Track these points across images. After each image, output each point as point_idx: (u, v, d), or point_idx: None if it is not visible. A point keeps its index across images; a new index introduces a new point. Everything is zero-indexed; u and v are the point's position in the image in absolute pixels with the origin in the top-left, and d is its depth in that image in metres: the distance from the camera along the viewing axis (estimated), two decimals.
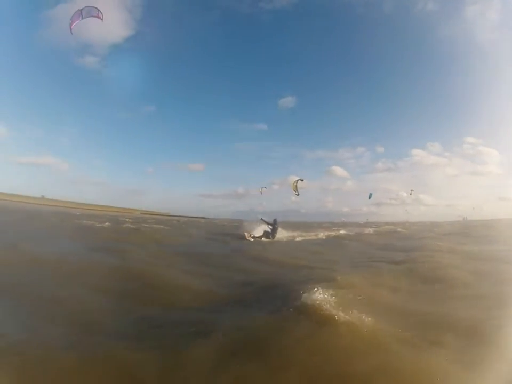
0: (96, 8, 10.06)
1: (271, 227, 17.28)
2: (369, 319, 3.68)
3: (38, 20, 58.81)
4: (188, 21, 61.82)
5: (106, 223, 20.50)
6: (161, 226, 24.14)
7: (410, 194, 46.53)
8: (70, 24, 9.47)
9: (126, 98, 65.14)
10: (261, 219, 17.76)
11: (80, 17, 9.61)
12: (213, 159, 73.68)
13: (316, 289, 4.34)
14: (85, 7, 9.70)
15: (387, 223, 50.86)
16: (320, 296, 4.14)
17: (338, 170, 60.25)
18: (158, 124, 68.86)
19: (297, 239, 18.51)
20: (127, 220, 29.00)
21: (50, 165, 59.65)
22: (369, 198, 35.93)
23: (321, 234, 22.33)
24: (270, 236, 16.99)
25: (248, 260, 9.59)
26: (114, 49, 55.51)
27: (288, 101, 60.39)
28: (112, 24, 52.23)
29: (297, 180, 22.21)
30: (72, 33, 9.69)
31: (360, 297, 4.77)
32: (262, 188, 28.33)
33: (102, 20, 10.26)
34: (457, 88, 68.83)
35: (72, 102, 63.68)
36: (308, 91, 70.36)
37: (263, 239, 16.67)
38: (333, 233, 24.47)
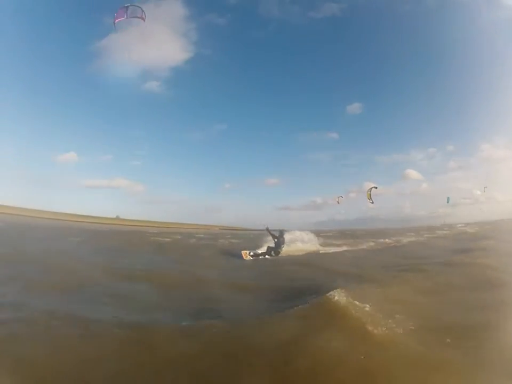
0: (141, 8, 9.63)
1: (276, 240, 13.96)
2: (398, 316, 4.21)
3: (91, 52, 66.30)
4: (245, 38, 63.85)
5: (191, 239, 22.37)
6: (237, 240, 24.33)
7: (484, 191, 41.91)
8: (114, 19, 9.16)
9: (195, 119, 69.34)
10: (267, 229, 14.52)
11: (126, 15, 9.25)
12: (288, 171, 72.79)
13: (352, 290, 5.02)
14: (130, 5, 9.36)
15: (462, 224, 47.22)
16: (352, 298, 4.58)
17: (413, 173, 55.05)
18: (231, 140, 71.58)
19: (341, 249, 16.72)
20: (205, 236, 29.58)
21: (124, 187, 66.44)
22: (448, 201, 35.78)
23: (364, 245, 19.41)
24: (272, 252, 13.66)
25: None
26: (175, 72, 60.94)
27: (355, 108, 58.08)
28: (169, 50, 56.04)
29: (371, 188, 21.42)
30: (115, 28, 9.39)
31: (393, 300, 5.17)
32: (338, 197, 28.10)
33: (144, 20, 9.74)
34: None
35: (139, 126, 71.31)
36: (373, 95, 65.31)
37: (266, 256, 13.57)
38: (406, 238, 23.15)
